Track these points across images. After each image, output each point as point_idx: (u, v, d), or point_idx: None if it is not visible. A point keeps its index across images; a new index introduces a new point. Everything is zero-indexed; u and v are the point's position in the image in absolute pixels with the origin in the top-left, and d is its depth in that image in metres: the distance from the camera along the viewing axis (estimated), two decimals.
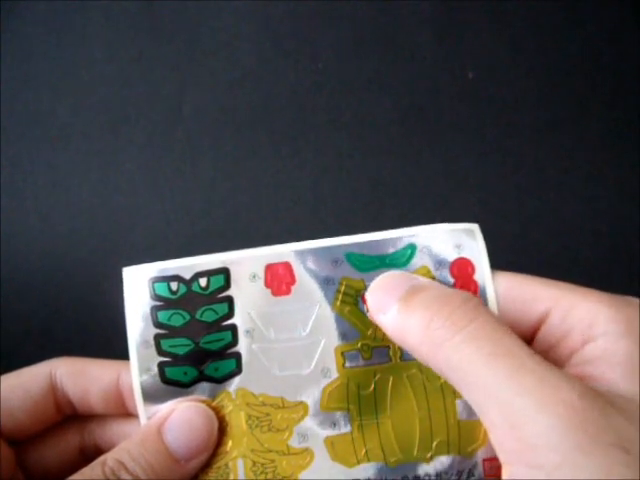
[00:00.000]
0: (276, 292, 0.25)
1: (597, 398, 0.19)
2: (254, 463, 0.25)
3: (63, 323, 0.46)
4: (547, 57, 0.50)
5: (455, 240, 0.25)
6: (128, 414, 0.28)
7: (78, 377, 0.27)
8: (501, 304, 0.24)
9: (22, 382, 0.27)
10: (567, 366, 0.22)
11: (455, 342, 0.20)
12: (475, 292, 0.25)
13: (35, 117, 0.49)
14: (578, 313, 0.22)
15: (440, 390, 0.25)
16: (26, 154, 0.49)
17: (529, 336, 0.24)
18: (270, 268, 0.25)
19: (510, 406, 0.19)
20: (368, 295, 0.24)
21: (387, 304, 0.23)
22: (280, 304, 0.25)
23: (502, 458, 0.20)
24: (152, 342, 0.25)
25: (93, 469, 0.23)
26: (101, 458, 0.23)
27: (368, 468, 0.25)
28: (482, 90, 0.50)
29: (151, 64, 0.49)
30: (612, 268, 0.48)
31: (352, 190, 0.49)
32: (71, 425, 0.29)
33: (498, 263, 0.26)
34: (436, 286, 0.23)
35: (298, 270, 0.25)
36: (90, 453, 0.28)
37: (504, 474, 0.20)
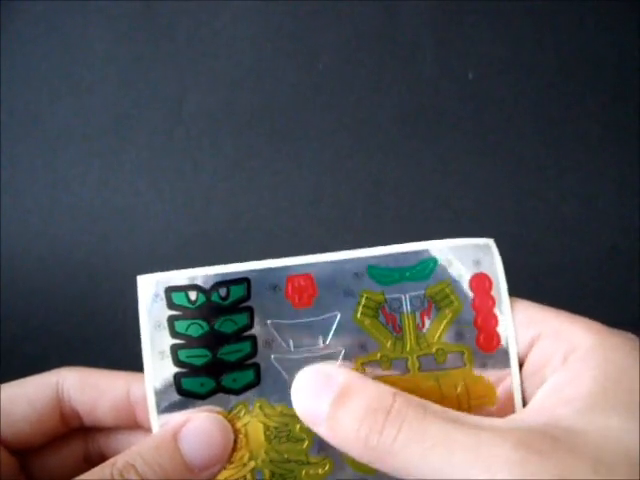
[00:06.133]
0: (297, 304, 0.25)
1: (533, 441, 0.20)
2: (273, 474, 0.25)
3: (63, 323, 0.46)
4: (547, 57, 0.50)
5: (474, 255, 0.25)
6: (137, 426, 0.27)
7: (87, 389, 0.27)
8: None
9: (26, 392, 0.26)
10: (542, 388, 0.23)
11: (393, 453, 0.21)
12: (492, 307, 0.25)
13: (35, 117, 0.49)
14: (566, 336, 0.23)
15: (457, 400, 0.25)
16: (26, 154, 0.48)
17: (522, 356, 0.25)
18: (291, 280, 0.25)
19: None
20: (295, 402, 0.24)
21: (317, 416, 0.23)
22: (300, 315, 0.25)
23: None
24: (168, 352, 0.24)
25: (103, 469, 0.22)
26: (112, 459, 0.23)
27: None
28: (482, 90, 0.50)
29: (151, 64, 0.49)
30: (612, 268, 0.48)
31: (352, 190, 0.49)
32: (76, 433, 0.28)
33: None
34: (360, 391, 0.23)
35: (319, 282, 0.25)
36: (96, 461, 0.27)
37: None
